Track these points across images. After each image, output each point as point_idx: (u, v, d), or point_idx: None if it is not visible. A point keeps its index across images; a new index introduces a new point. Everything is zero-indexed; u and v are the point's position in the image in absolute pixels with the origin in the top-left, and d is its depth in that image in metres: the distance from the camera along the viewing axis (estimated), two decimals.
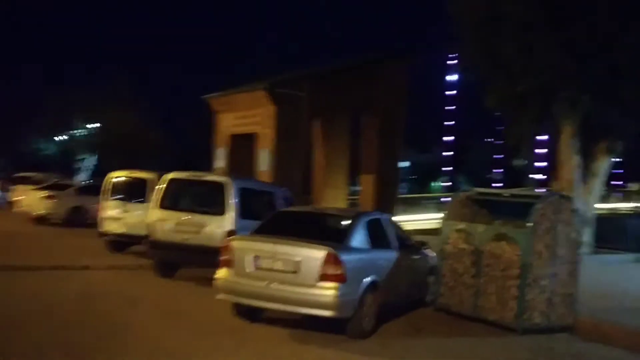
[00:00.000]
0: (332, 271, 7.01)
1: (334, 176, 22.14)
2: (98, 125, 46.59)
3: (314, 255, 7.12)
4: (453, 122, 60.30)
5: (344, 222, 7.97)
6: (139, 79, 66.68)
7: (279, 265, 7.28)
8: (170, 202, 11.07)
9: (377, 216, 8.83)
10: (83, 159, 47.84)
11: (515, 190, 10.70)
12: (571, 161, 16.19)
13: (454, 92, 59.55)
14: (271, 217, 8.64)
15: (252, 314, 7.93)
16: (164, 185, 11.06)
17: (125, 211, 13.57)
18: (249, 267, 7.44)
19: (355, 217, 8.07)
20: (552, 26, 14.86)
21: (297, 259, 7.18)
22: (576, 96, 15.47)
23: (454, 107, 58.29)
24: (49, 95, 47.34)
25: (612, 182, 46.01)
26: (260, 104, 18.83)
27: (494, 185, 60.93)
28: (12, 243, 14.88)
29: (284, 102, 18.56)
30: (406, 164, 62.59)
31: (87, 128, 47.45)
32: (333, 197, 21.83)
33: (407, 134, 23.46)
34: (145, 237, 13.11)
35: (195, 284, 10.77)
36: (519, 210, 9.30)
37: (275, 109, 18.53)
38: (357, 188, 37.72)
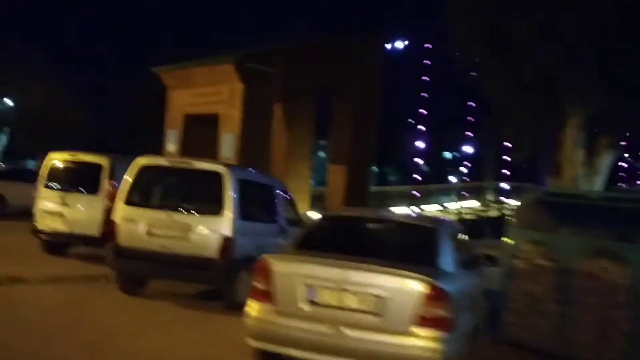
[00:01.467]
0: (435, 313, 4.65)
1: (296, 166, 19.62)
2: (9, 100, 41.52)
3: (408, 287, 4.72)
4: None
5: (426, 235, 5.56)
6: (64, 46, 60.44)
7: (351, 302, 4.82)
8: (141, 196, 8.32)
9: (458, 225, 6.49)
10: None
11: (608, 193, 8.71)
12: (576, 156, 14.53)
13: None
14: (317, 225, 6.06)
15: None
16: (133, 174, 8.26)
17: (68, 204, 10.59)
18: (301, 303, 4.94)
19: (441, 228, 5.70)
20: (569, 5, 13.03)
21: (381, 292, 4.76)
22: (590, 86, 13.75)
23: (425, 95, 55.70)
24: None
25: None
26: (225, 81, 16.04)
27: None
28: None
29: (253, 79, 15.87)
30: None
31: None
32: (295, 189, 19.31)
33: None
34: (94, 239, 10.36)
35: (175, 304, 8.10)
36: (600, 218, 7.32)
37: (243, 86, 15.80)
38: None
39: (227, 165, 8.04)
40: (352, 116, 18.30)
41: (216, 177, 7.83)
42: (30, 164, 40.51)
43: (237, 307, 7.93)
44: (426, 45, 49.29)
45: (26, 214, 17.46)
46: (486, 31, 14.46)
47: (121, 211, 8.13)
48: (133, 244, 7.95)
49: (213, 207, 7.83)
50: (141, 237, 7.90)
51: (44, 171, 11.05)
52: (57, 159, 11.12)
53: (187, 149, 17.38)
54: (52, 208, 10.70)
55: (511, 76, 14.37)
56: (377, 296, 4.75)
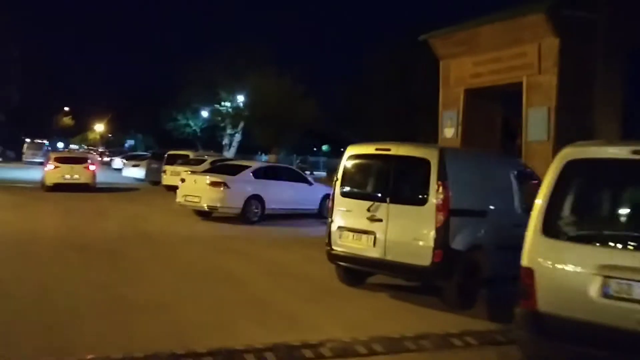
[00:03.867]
0: None
1: None
2: (242, 97, 41.51)
3: None
4: None
5: None
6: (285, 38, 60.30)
7: None
8: (578, 221, 4.36)
9: None
10: (231, 134, 43.12)
11: None
12: None
13: None
14: None
15: None
16: (556, 178, 4.32)
17: (380, 219, 7.11)
18: None
19: None
20: None
21: None
22: None
23: None
24: (189, 68, 43.21)
25: None
26: (531, 37, 11.70)
27: None
28: (177, 262, 9.02)
29: (571, 31, 11.30)
30: None
31: (232, 100, 42.57)
32: None
33: None
34: (420, 270, 6.85)
35: None
36: None
37: (559, 42, 11.31)
38: None
39: None
40: None
41: None
42: (262, 158, 40.23)
43: None
44: None
45: (285, 217, 15.16)
46: None
47: (542, 248, 4.25)
48: (572, 312, 4.05)
49: None
50: (589, 302, 3.96)
51: (340, 172, 7.75)
52: (358, 154, 7.72)
53: (470, 133, 13.40)
54: (355, 224, 7.34)
55: None
56: None
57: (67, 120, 73.56)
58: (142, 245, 10.51)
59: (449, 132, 13.82)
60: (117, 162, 39.72)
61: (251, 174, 14.46)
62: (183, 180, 14.63)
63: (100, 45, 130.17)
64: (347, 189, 7.64)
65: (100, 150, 60.67)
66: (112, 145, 66.74)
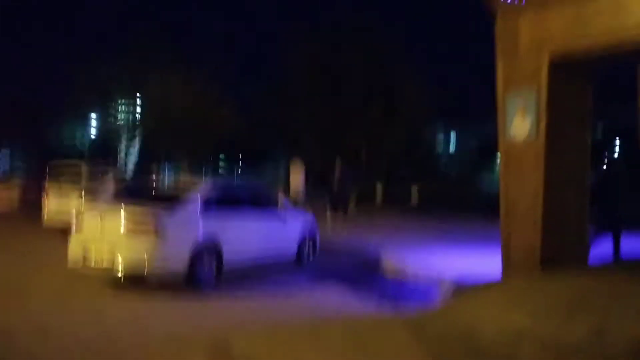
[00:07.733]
0: None
1: None
2: (139, 103, 34.29)
3: None
4: None
5: None
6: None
7: None
8: None
9: None
10: (128, 146, 35.54)
11: None
12: None
13: None
14: None
15: None
16: None
17: None
18: None
19: None
20: None
21: None
22: None
23: None
24: (76, 72, 35.19)
25: None
26: None
27: None
28: None
29: None
30: None
31: (127, 107, 35.12)
32: None
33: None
34: None
35: None
36: None
37: None
38: None
39: None
40: None
41: None
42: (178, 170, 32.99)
43: None
44: None
45: (251, 275, 8.80)
46: None
47: None
48: None
49: None
50: None
51: None
52: None
53: (556, 129, 8.10)
54: None
55: None
56: None
57: None
58: None
59: (520, 127, 8.33)
60: None
61: (199, 203, 8.11)
62: (79, 217, 7.98)
63: None
64: None
65: None
66: None
